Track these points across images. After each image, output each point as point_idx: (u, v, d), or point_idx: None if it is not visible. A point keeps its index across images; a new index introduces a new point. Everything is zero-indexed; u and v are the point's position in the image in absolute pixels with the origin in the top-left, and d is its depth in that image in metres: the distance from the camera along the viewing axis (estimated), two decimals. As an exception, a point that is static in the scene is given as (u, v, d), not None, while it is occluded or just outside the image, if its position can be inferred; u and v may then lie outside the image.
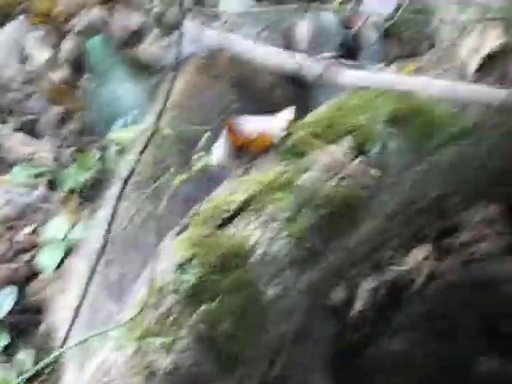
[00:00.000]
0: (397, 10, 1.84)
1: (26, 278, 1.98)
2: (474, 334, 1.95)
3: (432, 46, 1.87)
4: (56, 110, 2.24)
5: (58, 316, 1.94)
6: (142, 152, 1.41)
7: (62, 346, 1.48)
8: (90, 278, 1.46)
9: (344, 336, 1.92)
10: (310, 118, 1.73)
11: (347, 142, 1.67)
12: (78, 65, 2.29)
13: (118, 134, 2.03)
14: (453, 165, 1.76)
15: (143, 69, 2.26)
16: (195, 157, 1.65)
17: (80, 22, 2.34)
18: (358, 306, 1.93)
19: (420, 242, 1.91)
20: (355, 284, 1.89)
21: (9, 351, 1.93)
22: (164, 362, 1.47)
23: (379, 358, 1.93)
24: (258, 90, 1.97)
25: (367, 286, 1.91)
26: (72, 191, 2.08)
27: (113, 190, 1.81)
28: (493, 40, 1.77)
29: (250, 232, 1.59)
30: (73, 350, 1.56)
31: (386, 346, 1.94)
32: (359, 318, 1.93)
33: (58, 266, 1.94)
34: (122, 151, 1.97)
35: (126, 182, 1.41)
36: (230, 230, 1.59)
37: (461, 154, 1.77)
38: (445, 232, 1.92)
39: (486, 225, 1.96)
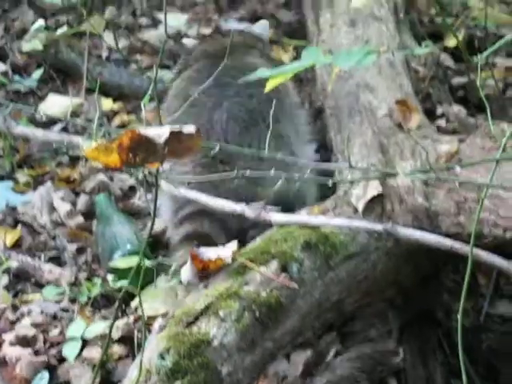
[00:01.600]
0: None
1: (55, 365, 2.07)
2: None
3: (333, 192, 2.01)
4: (74, 247, 2.34)
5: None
6: (131, 276, 1.51)
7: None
8: (99, 367, 1.64)
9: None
10: (247, 248, 1.87)
11: (274, 265, 1.81)
12: (89, 214, 2.42)
13: (117, 263, 2.14)
14: (347, 276, 1.90)
15: (134, 215, 2.40)
16: (168, 277, 1.86)
17: (89, 184, 2.48)
18: (292, 371, 2.04)
19: (328, 331, 2.03)
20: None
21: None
22: (154, 419, 1.56)
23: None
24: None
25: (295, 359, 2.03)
26: (86, 304, 2.18)
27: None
28: (372, 190, 1.94)
29: (209, 329, 1.69)
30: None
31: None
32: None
33: (77, 356, 2.03)
34: (118, 278, 2.12)
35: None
36: (195, 328, 1.69)
37: (353, 268, 1.91)
38: (345, 323, 2.03)
39: (374, 316, 2.08)
